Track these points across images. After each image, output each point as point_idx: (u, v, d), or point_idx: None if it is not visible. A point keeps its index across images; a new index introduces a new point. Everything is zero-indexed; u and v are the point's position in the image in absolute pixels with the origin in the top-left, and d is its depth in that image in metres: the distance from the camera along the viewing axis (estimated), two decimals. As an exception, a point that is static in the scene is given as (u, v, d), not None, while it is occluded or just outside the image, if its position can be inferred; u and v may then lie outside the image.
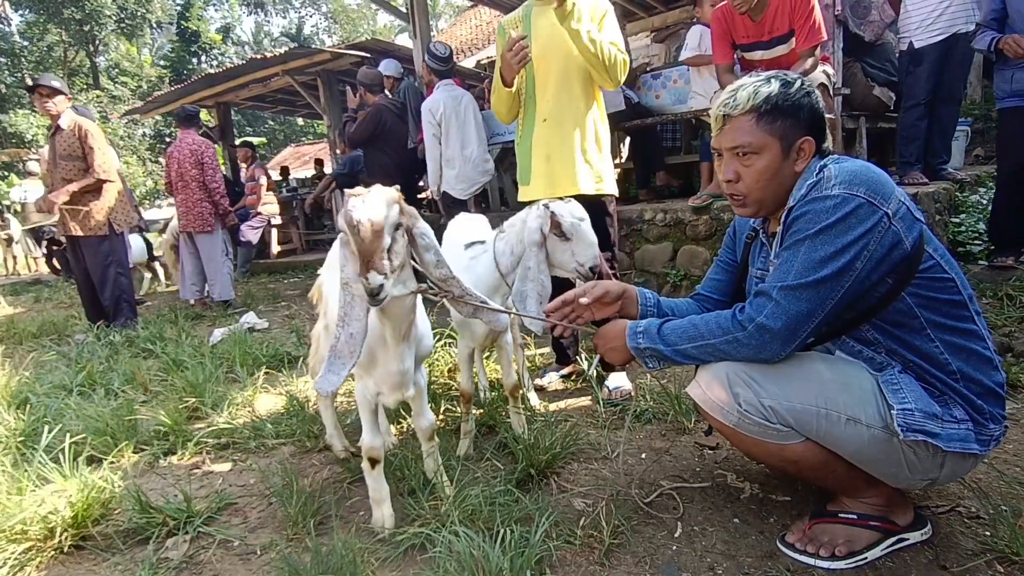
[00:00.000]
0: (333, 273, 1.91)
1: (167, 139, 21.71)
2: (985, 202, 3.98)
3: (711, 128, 1.44)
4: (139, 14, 23.73)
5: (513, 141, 2.67)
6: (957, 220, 3.87)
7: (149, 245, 7.27)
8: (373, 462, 1.61)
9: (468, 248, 2.06)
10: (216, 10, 30.73)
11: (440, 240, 1.65)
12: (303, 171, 15.91)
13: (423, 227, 1.44)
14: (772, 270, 1.32)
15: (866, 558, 1.32)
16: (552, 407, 2.43)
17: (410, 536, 1.50)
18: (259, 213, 7.47)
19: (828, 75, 3.17)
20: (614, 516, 1.50)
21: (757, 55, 3.24)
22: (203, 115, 6.82)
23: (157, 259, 7.49)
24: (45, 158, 5.60)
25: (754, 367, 1.31)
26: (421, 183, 5.61)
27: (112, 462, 2.11)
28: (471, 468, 1.84)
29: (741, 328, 1.28)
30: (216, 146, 6.90)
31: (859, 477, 1.34)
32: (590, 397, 2.47)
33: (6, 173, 18.80)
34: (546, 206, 1.82)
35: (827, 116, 1.43)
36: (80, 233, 4.31)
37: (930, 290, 1.25)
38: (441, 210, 4.63)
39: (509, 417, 2.14)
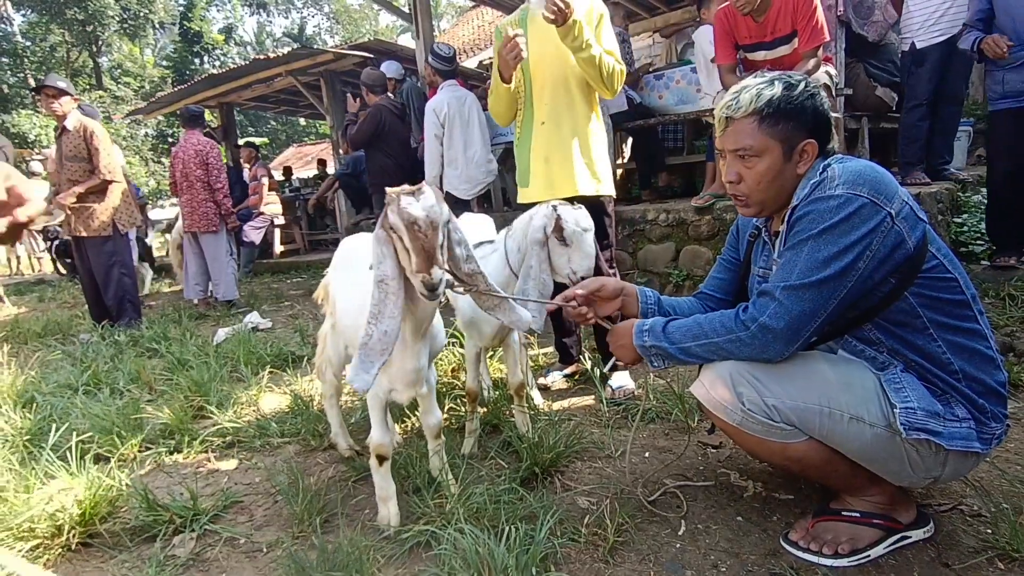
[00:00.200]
0: (340, 274, 1.92)
1: (170, 139, 21.75)
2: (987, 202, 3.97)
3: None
4: (142, 15, 23.78)
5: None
6: (959, 220, 3.86)
7: (141, 244, 7.23)
8: (381, 459, 1.62)
9: (476, 248, 2.07)
10: (218, 10, 30.79)
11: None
12: (306, 171, 15.94)
13: (455, 222, 1.46)
14: (775, 270, 1.33)
15: (869, 556, 1.33)
16: (556, 406, 2.44)
17: (415, 534, 1.51)
18: (262, 213, 7.48)
19: (831, 75, 3.17)
20: (618, 514, 1.51)
21: (760, 56, 3.25)
22: (207, 116, 6.81)
23: (146, 261, 7.45)
24: (51, 158, 5.62)
25: (757, 366, 1.31)
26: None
27: (119, 460, 2.12)
28: (476, 466, 1.84)
29: (744, 328, 1.29)
30: (220, 146, 6.90)
31: (862, 475, 1.35)
32: (593, 396, 2.48)
33: (9, 173, 18.77)
34: (554, 208, 1.81)
35: (833, 115, 1.43)
36: (84, 233, 4.33)
37: (933, 290, 1.26)
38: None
39: (513, 416, 2.15)
